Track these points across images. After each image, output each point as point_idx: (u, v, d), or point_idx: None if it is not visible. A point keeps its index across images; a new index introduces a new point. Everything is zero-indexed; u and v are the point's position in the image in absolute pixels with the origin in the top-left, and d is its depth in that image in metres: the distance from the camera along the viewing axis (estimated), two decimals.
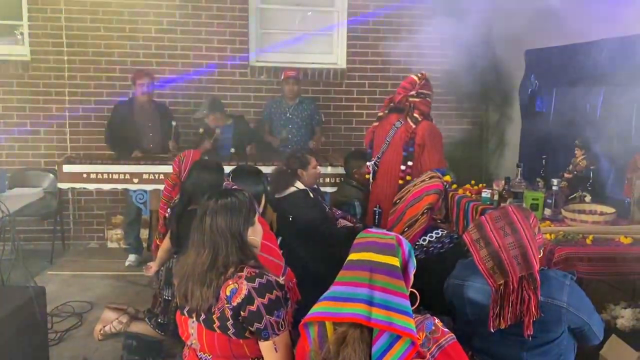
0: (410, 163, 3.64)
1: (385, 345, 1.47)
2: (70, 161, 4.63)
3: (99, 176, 4.53)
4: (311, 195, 3.50)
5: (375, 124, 3.90)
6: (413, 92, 3.74)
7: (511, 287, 1.94)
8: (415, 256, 2.80)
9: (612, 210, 3.24)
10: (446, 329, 1.58)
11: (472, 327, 2.11)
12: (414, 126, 3.64)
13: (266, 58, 5.60)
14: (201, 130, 4.91)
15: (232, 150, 4.84)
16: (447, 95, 5.52)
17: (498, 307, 1.96)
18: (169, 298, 3.19)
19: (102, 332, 3.53)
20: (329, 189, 4.52)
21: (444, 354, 1.53)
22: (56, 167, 4.69)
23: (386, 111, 3.84)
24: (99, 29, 5.25)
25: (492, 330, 1.97)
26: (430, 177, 3.39)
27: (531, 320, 1.92)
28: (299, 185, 3.48)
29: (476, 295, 2.07)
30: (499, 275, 1.97)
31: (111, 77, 5.31)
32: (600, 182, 3.59)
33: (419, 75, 3.81)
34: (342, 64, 5.69)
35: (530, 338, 1.95)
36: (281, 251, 2.64)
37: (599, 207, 3.32)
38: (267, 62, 5.57)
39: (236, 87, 5.49)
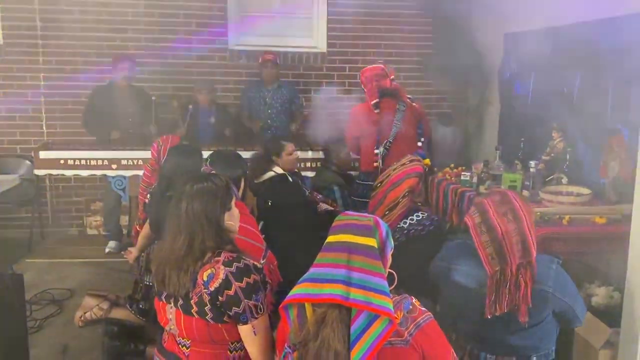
0: (423, 139, 3.91)
1: (364, 324, 1.48)
2: (47, 147, 4.57)
3: (77, 162, 4.48)
4: (290, 179, 3.49)
5: (377, 111, 3.85)
6: (392, 77, 3.88)
7: (509, 273, 1.93)
8: (396, 239, 2.85)
9: (588, 191, 3.29)
10: (424, 309, 1.60)
11: (458, 310, 2.12)
12: (418, 107, 3.93)
13: (245, 42, 5.53)
14: (175, 103, 4.87)
15: (212, 120, 4.83)
16: (427, 78, 5.53)
17: (493, 294, 1.95)
18: (150, 284, 3.17)
19: (82, 318, 3.51)
20: (310, 174, 4.52)
21: (421, 333, 1.55)
22: (32, 154, 4.61)
23: (379, 98, 3.83)
24: (73, 12, 5.13)
25: (489, 317, 1.95)
26: (411, 161, 3.41)
27: (526, 307, 1.92)
28: (278, 170, 3.46)
29: (463, 279, 2.07)
30: (496, 261, 1.95)
31: (87, 62, 5.21)
32: (576, 164, 3.64)
33: (383, 64, 3.96)
34: (322, 47, 5.65)
35: (506, 319, 1.95)
36: (263, 235, 2.63)
37: (576, 189, 3.38)
38: (246, 46, 5.51)
39: (215, 72, 5.43)
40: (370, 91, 3.82)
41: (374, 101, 3.79)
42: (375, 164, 3.78)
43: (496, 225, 1.96)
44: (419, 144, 3.89)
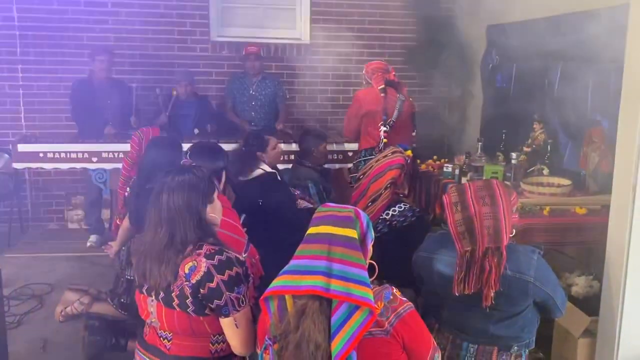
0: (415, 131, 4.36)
1: (344, 315, 1.48)
2: (25, 140, 4.49)
3: (57, 155, 4.41)
4: (279, 178, 3.46)
5: (382, 94, 4.17)
6: (393, 73, 4.26)
7: (477, 255, 1.96)
8: (379, 230, 2.85)
9: (569, 182, 3.33)
10: (404, 299, 1.60)
11: (440, 300, 2.13)
12: (412, 102, 4.31)
13: (227, 33, 5.48)
14: (157, 90, 4.83)
15: (196, 131, 4.77)
16: (410, 71, 5.54)
17: (462, 273, 1.98)
18: (132, 278, 3.13)
19: (63, 313, 3.47)
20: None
21: (402, 323, 1.55)
22: (11, 147, 4.53)
23: (384, 85, 4.18)
24: (52, 2, 5.04)
25: (457, 294, 1.98)
26: (393, 152, 3.42)
27: (490, 292, 1.94)
28: (266, 167, 3.38)
29: (444, 268, 2.08)
30: (468, 241, 1.98)
31: (66, 54, 5.12)
32: (557, 155, 3.68)
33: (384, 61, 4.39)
34: (305, 39, 5.62)
35: (488, 309, 1.98)
36: (244, 229, 2.61)
37: (556, 180, 3.42)
38: (228, 37, 5.46)
39: (197, 63, 5.37)
40: (377, 79, 4.18)
41: (381, 86, 4.12)
42: (385, 140, 4.07)
43: (470, 204, 1.99)
44: (413, 133, 4.29)
